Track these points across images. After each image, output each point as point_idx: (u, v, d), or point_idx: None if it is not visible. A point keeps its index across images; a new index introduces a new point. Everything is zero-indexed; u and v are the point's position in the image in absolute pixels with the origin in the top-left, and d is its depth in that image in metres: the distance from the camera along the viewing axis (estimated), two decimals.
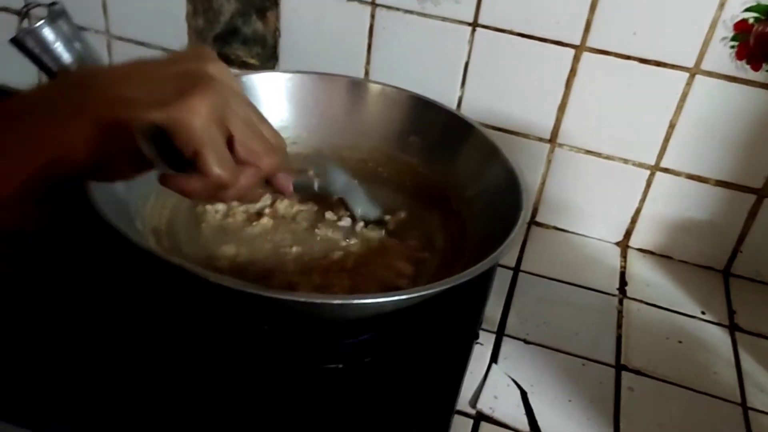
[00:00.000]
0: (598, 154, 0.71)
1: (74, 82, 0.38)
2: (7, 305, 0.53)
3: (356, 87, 0.70)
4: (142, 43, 0.80)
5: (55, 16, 0.45)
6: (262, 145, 0.39)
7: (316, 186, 0.57)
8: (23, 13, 0.45)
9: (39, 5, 0.45)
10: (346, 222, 0.61)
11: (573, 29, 0.65)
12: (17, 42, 0.45)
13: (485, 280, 0.64)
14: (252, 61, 0.78)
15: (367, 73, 0.74)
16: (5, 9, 0.82)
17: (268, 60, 0.77)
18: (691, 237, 0.72)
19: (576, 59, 0.67)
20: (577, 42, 0.66)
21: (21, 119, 0.36)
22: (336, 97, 0.68)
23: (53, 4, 0.46)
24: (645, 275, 0.72)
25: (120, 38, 0.80)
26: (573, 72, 0.67)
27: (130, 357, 0.51)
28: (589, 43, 0.66)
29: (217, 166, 0.35)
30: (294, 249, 0.57)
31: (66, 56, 0.46)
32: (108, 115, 0.34)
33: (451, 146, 0.65)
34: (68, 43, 0.46)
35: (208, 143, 0.35)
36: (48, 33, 0.45)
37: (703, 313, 0.67)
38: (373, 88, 0.69)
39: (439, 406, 0.52)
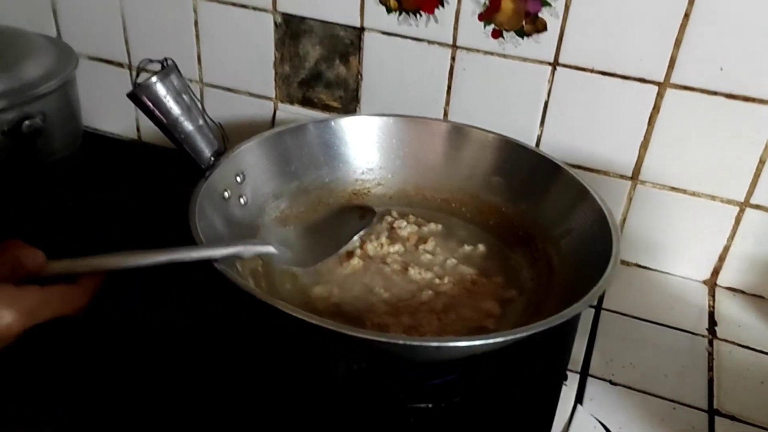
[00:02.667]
0: (683, 191, 0.70)
1: None
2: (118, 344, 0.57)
3: (441, 129, 0.71)
4: (230, 90, 0.84)
5: (168, 71, 0.49)
6: None
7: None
8: (138, 69, 0.49)
9: (152, 61, 0.49)
10: (436, 260, 0.62)
11: (657, 66, 0.65)
12: (133, 96, 0.49)
13: (572, 320, 0.63)
14: (334, 104, 0.81)
15: (446, 113, 0.75)
16: (111, 62, 0.87)
17: (350, 102, 0.80)
18: None
19: (659, 96, 0.66)
20: (661, 79, 0.65)
21: None
22: (420, 138, 0.70)
23: (166, 60, 0.49)
24: (736, 315, 0.69)
25: (212, 86, 0.85)
26: (656, 109, 0.67)
27: (223, 394, 0.53)
28: (674, 80, 0.65)
29: None
30: (384, 289, 0.59)
31: (175, 108, 0.50)
32: None
33: (537, 186, 0.65)
34: (177, 96, 0.50)
35: None
36: (160, 87, 0.49)
37: None
38: (458, 129, 0.70)
39: None
